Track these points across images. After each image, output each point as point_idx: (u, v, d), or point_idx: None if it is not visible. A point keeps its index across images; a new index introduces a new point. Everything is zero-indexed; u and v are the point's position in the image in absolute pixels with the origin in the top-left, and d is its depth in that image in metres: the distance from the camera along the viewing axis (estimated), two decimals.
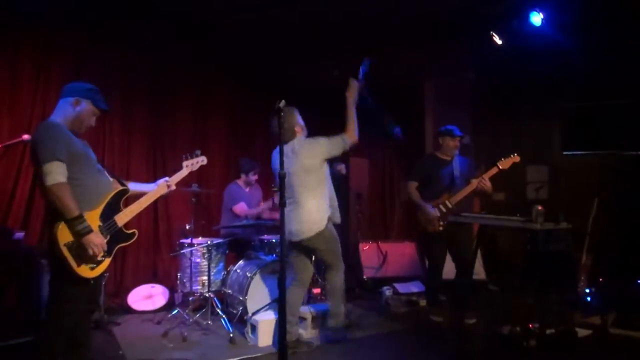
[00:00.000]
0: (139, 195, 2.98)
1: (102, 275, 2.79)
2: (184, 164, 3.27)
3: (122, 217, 2.79)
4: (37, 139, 2.55)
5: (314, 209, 3.67)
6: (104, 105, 2.84)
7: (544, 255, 3.99)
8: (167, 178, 3.13)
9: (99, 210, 2.68)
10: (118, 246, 2.78)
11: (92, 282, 2.67)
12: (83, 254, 2.57)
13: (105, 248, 2.65)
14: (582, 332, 4.06)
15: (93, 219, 2.63)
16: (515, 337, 3.83)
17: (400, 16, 5.13)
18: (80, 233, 2.53)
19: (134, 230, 2.87)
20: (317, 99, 6.34)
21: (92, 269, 2.63)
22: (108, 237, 2.70)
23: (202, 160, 3.36)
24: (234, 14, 5.09)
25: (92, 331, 3.74)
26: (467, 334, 4.17)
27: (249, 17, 5.14)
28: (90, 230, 2.56)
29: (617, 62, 5.29)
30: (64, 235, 2.53)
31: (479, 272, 5.63)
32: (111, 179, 2.88)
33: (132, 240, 2.85)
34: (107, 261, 2.71)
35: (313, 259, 3.98)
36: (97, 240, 2.58)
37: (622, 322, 4.25)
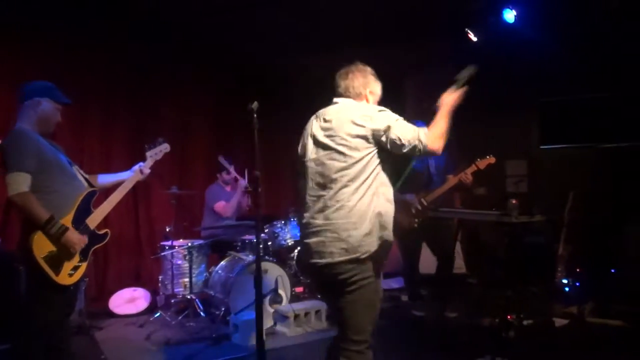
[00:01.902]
0: (116, 186, 2.93)
1: (81, 280, 2.78)
2: (148, 154, 3.13)
3: (94, 219, 2.76)
4: (5, 148, 2.52)
5: None
6: (65, 99, 2.77)
7: (521, 247, 4.06)
8: (141, 163, 3.05)
9: (70, 216, 2.65)
10: (93, 248, 2.76)
11: (71, 287, 2.67)
12: (60, 262, 2.56)
13: (86, 242, 2.65)
14: (559, 322, 4.14)
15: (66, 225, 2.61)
16: (494, 328, 3.89)
17: (380, 13, 5.17)
18: (56, 235, 2.51)
19: (106, 230, 2.83)
20: (299, 96, 6.37)
21: (71, 275, 2.62)
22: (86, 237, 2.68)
23: (165, 148, 3.20)
24: (214, 14, 5.09)
25: (73, 336, 3.74)
26: (448, 327, 4.23)
27: (229, 17, 5.15)
28: (67, 229, 2.55)
29: (591, 56, 5.39)
30: (39, 247, 2.50)
31: (459, 266, 5.70)
32: (84, 182, 2.83)
33: (105, 241, 2.82)
34: (84, 266, 2.69)
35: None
36: (75, 238, 2.58)
37: (598, 311, 4.34)
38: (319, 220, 2.34)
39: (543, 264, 4.88)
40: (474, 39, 5.35)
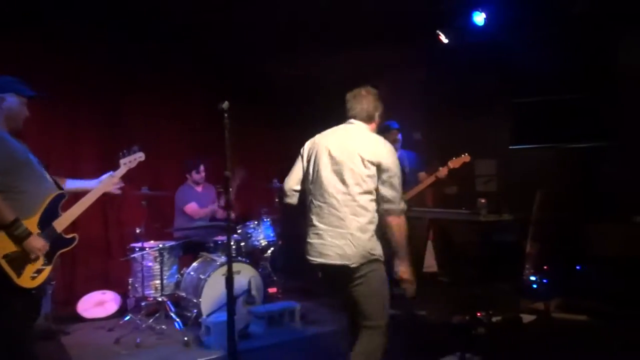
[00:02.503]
0: (82, 193, 2.86)
1: (45, 283, 2.70)
2: (122, 161, 3.08)
3: (61, 222, 2.69)
4: None
5: None
6: (31, 92, 2.68)
7: (490, 245, 4.15)
8: (112, 172, 2.98)
9: (36, 217, 2.58)
10: (58, 252, 2.69)
11: (33, 291, 2.59)
12: (23, 264, 2.48)
13: (47, 249, 2.57)
14: (527, 318, 4.25)
15: (30, 226, 2.53)
16: (464, 325, 3.97)
17: (350, 15, 5.19)
18: (19, 237, 2.45)
19: (74, 235, 2.75)
20: (272, 97, 6.36)
21: (33, 278, 2.54)
22: (48, 244, 2.61)
23: (139, 156, 3.16)
24: (188, 14, 5.03)
25: (39, 342, 3.64)
26: (418, 325, 4.28)
27: (204, 17, 5.10)
28: (30, 233, 2.48)
29: (559, 59, 5.53)
30: (1, 246, 2.43)
31: (431, 264, 5.77)
32: (53, 184, 2.76)
33: (72, 246, 2.75)
34: (48, 269, 2.62)
35: None
36: (37, 244, 2.51)
37: (564, 307, 4.47)
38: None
39: (511, 261, 4.98)
40: (445, 40, 5.44)
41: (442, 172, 4.36)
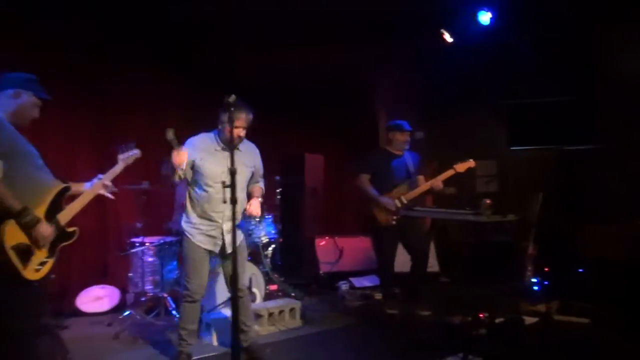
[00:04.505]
0: (75, 196, 2.87)
1: (47, 277, 2.68)
2: (120, 157, 3.12)
3: (65, 216, 2.71)
4: None
5: None
6: (45, 95, 2.72)
7: (491, 246, 4.14)
8: (100, 175, 2.99)
9: (43, 207, 2.58)
10: (60, 245, 2.69)
11: (36, 284, 2.57)
12: (29, 256, 2.48)
13: (54, 236, 2.58)
14: (528, 320, 4.23)
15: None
16: (466, 326, 3.95)
17: (350, 14, 5.15)
18: (29, 225, 2.44)
19: (75, 228, 2.76)
20: (271, 93, 6.31)
21: (37, 270, 2.54)
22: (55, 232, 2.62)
23: (136, 153, 3.20)
24: (182, 12, 4.98)
25: (38, 337, 3.60)
26: (420, 325, 4.27)
27: (202, 12, 5.05)
28: (39, 220, 2.49)
29: (560, 60, 5.53)
30: (11, 236, 2.41)
31: (432, 264, 5.77)
32: (53, 177, 2.77)
33: (73, 239, 2.76)
34: (51, 262, 2.62)
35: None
36: (46, 231, 2.52)
37: (565, 309, 4.46)
38: None
39: (512, 262, 4.98)
40: (449, 39, 5.42)
41: (437, 183, 4.36)
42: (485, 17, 5.08)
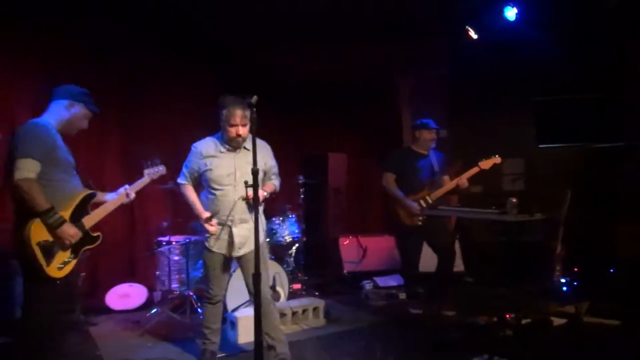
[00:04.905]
0: (101, 203, 3.00)
1: (72, 275, 2.78)
2: (146, 172, 3.31)
3: (89, 220, 2.84)
4: (19, 136, 2.59)
5: None
6: (96, 109, 2.93)
7: (518, 246, 4.06)
8: (127, 186, 3.12)
9: (69, 211, 2.72)
10: (84, 248, 2.81)
11: (58, 282, 2.67)
12: (53, 254, 2.59)
13: (80, 236, 2.70)
14: (557, 321, 4.14)
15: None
16: (491, 327, 3.89)
17: (374, 12, 5.13)
18: (54, 225, 2.57)
19: (99, 233, 2.91)
20: (294, 92, 6.32)
21: (60, 269, 2.65)
22: (80, 233, 2.75)
23: (161, 170, 3.38)
24: (206, 11, 5.03)
25: (67, 333, 3.70)
26: (445, 325, 4.22)
27: (224, 13, 5.10)
28: (64, 221, 2.62)
29: (589, 56, 5.39)
30: (37, 233, 2.54)
31: (457, 264, 5.69)
32: (82, 185, 2.92)
33: (97, 244, 2.90)
34: (74, 263, 2.74)
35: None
36: (71, 231, 2.64)
37: (595, 311, 4.35)
38: None
39: (540, 262, 4.88)
40: (475, 36, 5.34)
41: (463, 181, 4.32)
42: (511, 13, 4.99)
